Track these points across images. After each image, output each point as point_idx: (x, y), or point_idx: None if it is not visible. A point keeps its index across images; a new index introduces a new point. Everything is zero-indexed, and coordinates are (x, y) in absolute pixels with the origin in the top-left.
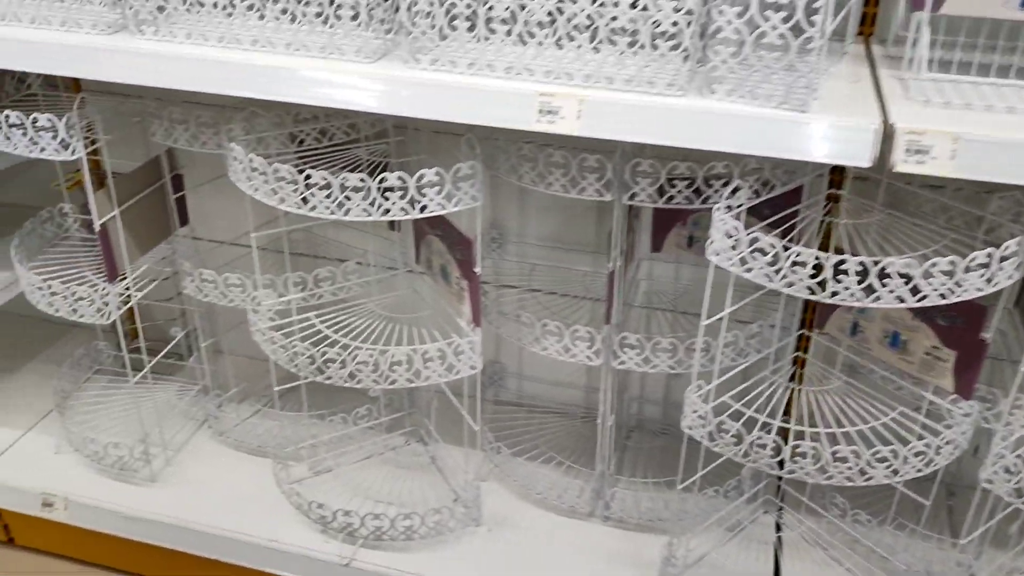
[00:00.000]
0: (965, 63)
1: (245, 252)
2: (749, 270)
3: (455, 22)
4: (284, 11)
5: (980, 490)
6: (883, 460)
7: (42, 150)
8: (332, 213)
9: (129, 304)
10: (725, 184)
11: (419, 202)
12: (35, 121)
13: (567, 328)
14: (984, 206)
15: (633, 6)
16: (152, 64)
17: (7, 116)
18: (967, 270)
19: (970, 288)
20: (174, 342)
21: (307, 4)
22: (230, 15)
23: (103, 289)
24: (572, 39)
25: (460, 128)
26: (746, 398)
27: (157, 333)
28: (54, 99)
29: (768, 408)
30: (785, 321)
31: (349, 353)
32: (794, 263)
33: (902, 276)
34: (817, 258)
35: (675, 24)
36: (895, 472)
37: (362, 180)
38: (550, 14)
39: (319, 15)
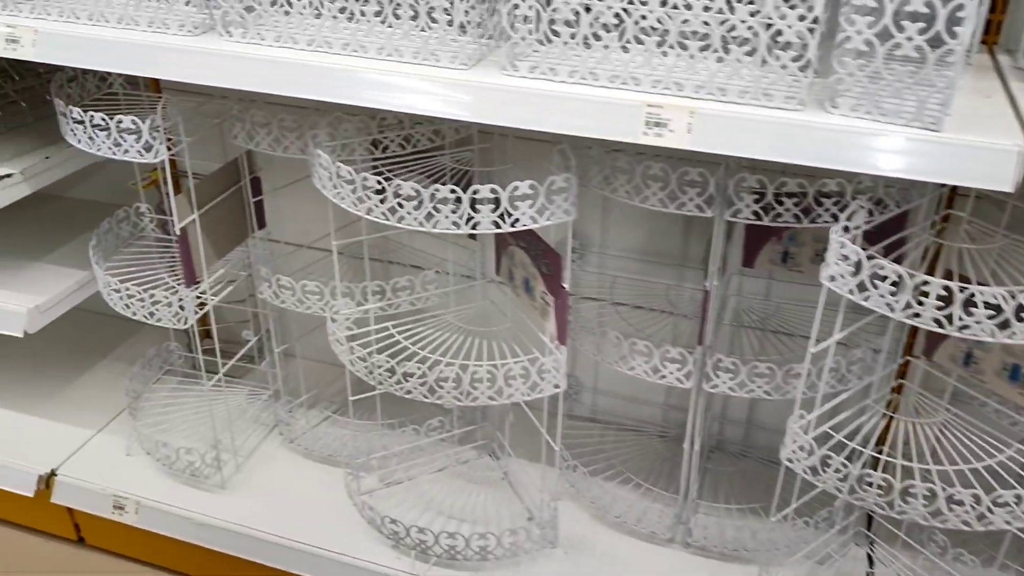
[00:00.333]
0: None
1: (319, 256)
2: (867, 297)
3: (556, 26)
4: (377, 13)
5: None
6: (1004, 505)
7: (125, 152)
8: (420, 225)
9: (205, 309)
10: (836, 203)
11: (510, 215)
12: (119, 123)
13: (657, 348)
14: None
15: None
16: (239, 67)
17: (91, 117)
18: None
19: None
20: (248, 346)
21: (398, 6)
22: (319, 16)
23: (180, 293)
24: (684, 47)
25: (547, 134)
26: (846, 428)
27: (228, 334)
28: (135, 99)
29: (871, 440)
30: (889, 345)
31: (429, 367)
32: (922, 292)
33: None
34: (947, 288)
35: (798, 34)
36: (1018, 518)
37: (453, 192)
38: (659, 21)
39: (413, 18)
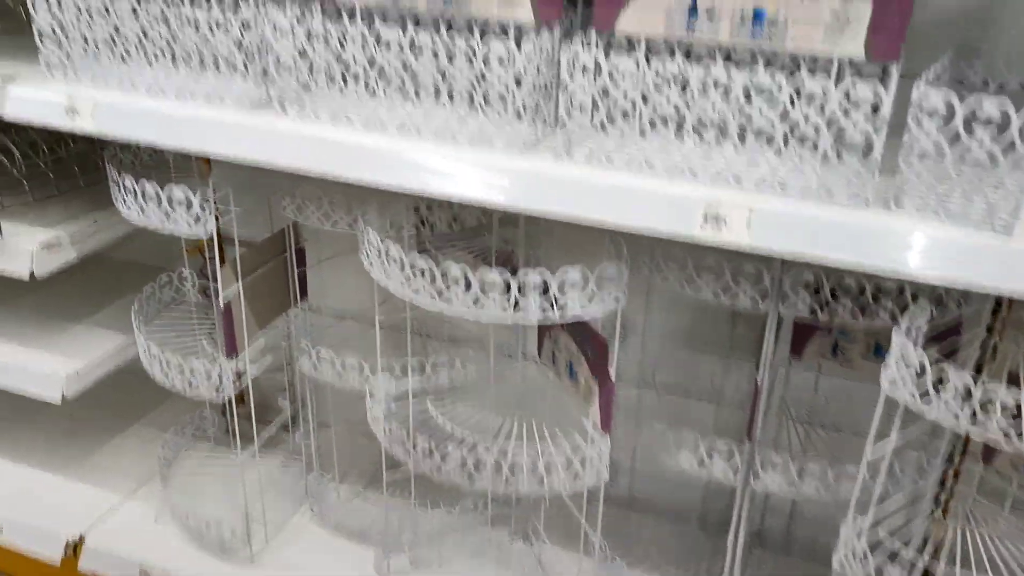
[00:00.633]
0: None
1: (358, 328)
2: (930, 403)
3: (612, 113)
4: (436, 92)
5: None
6: None
7: (175, 223)
8: (467, 309)
9: (244, 382)
10: (895, 299)
11: (558, 303)
12: (170, 196)
13: (703, 439)
14: None
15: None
16: (294, 146)
17: (143, 187)
18: None
19: None
20: (282, 416)
21: (452, 89)
22: (374, 95)
23: (219, 364)
24: (742, 140)
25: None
26: (897, 532)
27: (262, 398)
28: (185, 165)
29: (926, 549)
30: (945, 448)
31: (468, 450)
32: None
33: None
34: (1019, 401)
35: (863, 133)
36: None
37: (502, 275)
38: (719, 115)
39: (470, 101)
